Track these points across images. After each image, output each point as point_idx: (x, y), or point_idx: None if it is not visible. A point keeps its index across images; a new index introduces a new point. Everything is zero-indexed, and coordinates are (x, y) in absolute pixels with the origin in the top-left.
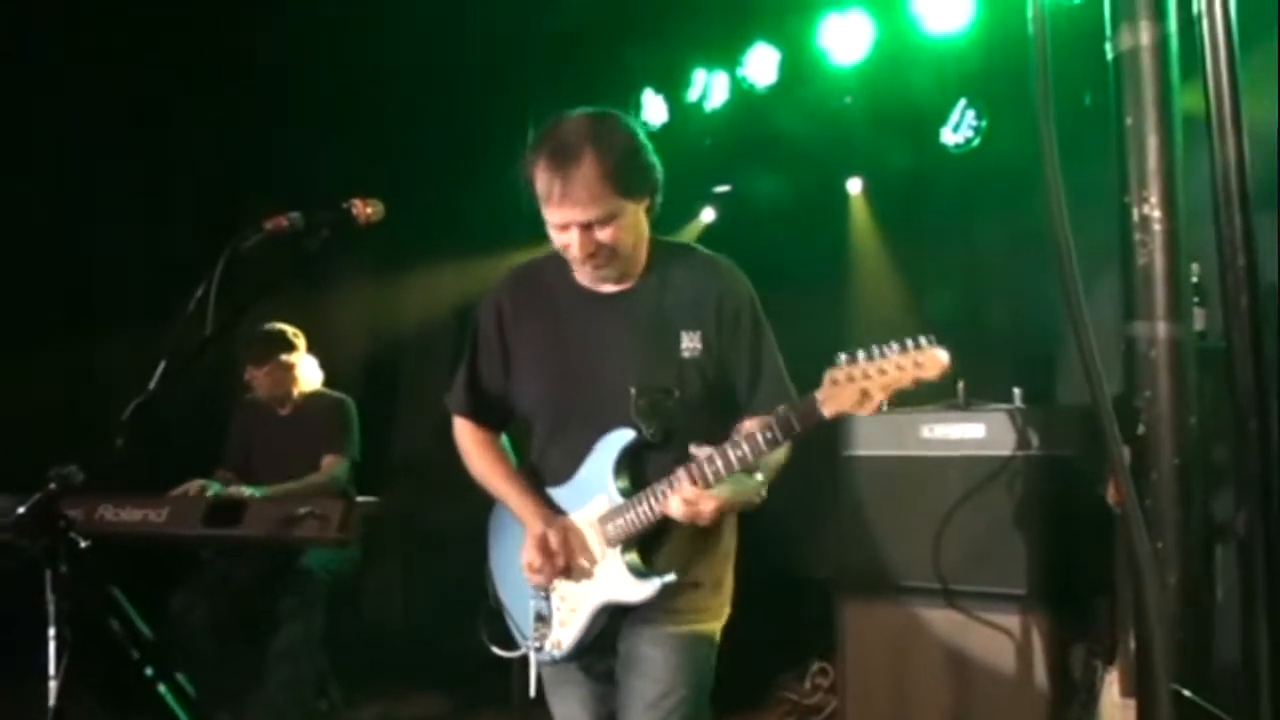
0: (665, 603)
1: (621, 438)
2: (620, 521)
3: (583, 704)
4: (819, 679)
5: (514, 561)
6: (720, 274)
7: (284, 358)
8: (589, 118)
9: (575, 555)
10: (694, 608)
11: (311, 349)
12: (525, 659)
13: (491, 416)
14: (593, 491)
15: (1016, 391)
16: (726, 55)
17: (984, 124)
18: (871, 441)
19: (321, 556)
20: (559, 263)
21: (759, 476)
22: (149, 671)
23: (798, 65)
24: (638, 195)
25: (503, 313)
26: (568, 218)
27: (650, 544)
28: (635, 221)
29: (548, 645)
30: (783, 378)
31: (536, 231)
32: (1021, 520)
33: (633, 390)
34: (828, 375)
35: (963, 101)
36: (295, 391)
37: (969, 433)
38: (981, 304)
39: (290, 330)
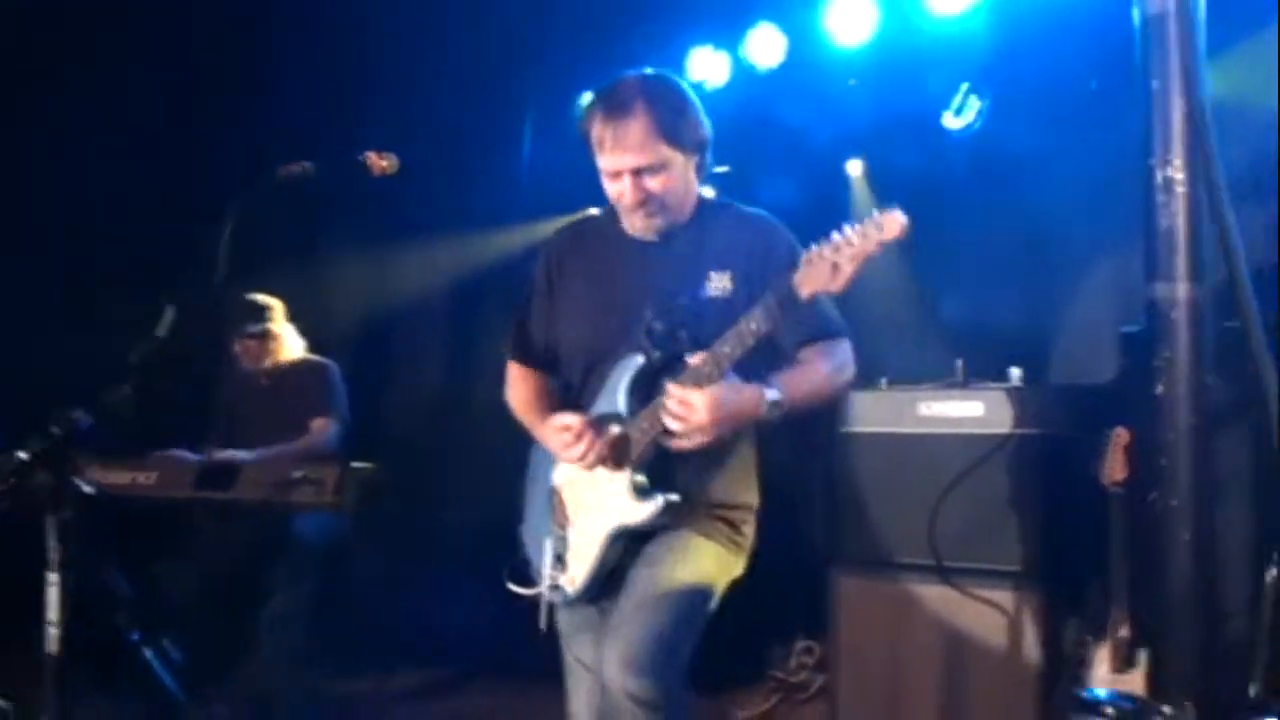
0: (678, 521)
1: (630, 363)
2: (627, 442)
3: (598, 648)
4: (804, 657)
5: (538, 505)
6: (755, 222)
7: (273, 326)
8: (643, 75)
9: (602, 446)
10: (710, 522)
11: (307, 317)
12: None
13: (541, 360)
14: (608, 418)
15: (1014, 371)
16: (728, 35)
17: (986, 108)
18: (868, 418)
19: (313, 524)
20: (610, 215)
21: (772, 392)
22: (135, 636)
23: (801, 47)
24: (687, 148)
25: (551, 260)
26: (620, 164)
27: (662, 466)
28: (684, 174)
29: (562, 582)
30: (817, 304)
31: (536, 210)
32: (1017, 498)
33: (647, 315)
34: (802, 257)
35: (965, 85)
36: (281, 359)
37: (967, 411)
38: (980, 287)
39: (271, 299)
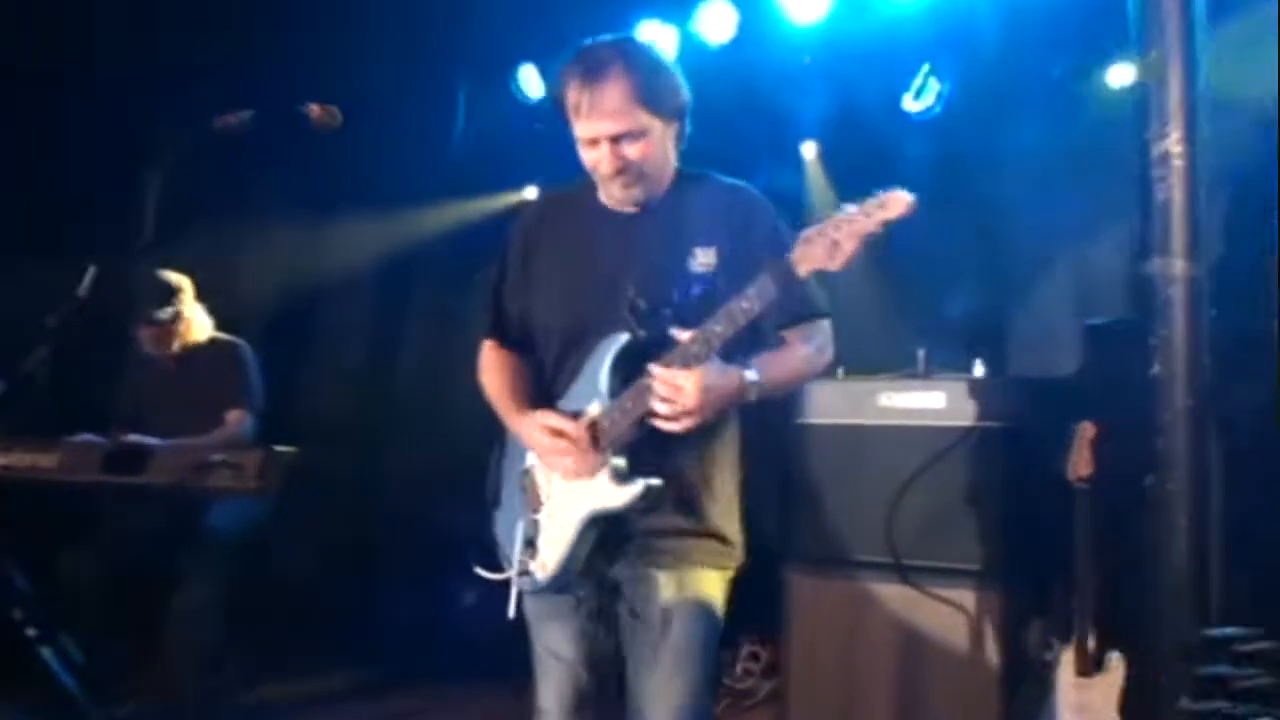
0: (666, 537)
1: (614, 341)
2: (607, 423)
3: (570, 640)
4: (750, 663)
5: (511, 487)
6: (737, 193)
7: (182, 309)
8: (619, 39)
9: (582, 442)
10: (697, 543)
11: (224, 291)
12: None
13: (516, 338)
14: (589, 398)
15: (978, 362)
16: (678, 9)
17: (947, 91)
18: (826, 409)
19: (227, 515)
20: (586, 186)
21: (751, 373)
22: (33, 633)
23: (753, 23)
24: (665, 114)
25: (527, 234)
26: (597, 130)
27: (642, 449)
28: (663, 142)
29: (533, 568)
30: (803, 284)
31: (464, 187)
32: (978, 494)
33: (630, 292)
34: (800, 235)
35: (926, 67)
36: (190, 340)
37: (928, 402)
38: (937, 275)
39: (179, 278)
